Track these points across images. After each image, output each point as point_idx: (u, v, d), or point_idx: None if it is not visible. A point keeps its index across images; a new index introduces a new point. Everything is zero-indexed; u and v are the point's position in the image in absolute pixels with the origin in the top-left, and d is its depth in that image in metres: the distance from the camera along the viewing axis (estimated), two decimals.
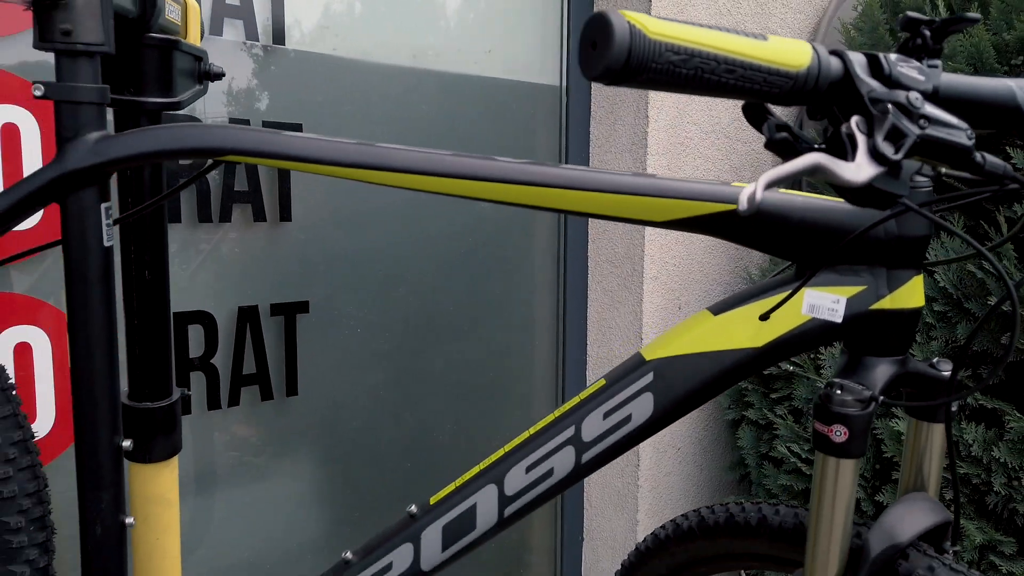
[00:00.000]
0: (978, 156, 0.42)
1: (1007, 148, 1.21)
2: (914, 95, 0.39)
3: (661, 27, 0.36)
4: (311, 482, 1.37)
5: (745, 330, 0.60)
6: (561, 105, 1.66)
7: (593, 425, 0.61)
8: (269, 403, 1.30)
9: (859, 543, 0.62)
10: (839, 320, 0.59)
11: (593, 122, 1.69)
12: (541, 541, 1.77)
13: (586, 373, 1.75)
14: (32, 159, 1.03)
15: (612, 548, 1.74)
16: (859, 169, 0.38)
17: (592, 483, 1.76)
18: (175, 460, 0.87)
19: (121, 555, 0.60)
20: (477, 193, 0.56)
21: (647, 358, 0.62)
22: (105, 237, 0.56)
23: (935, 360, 0.64)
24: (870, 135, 0.39)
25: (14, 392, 0.58)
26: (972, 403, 1.23)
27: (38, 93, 0.52)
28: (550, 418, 0.63)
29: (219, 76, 0.83)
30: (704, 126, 1.68)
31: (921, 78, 0.41)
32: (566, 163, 1.70)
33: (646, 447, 1.68)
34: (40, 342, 1.07)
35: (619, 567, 0.89)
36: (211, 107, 1.19)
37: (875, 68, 0.41)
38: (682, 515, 0.81)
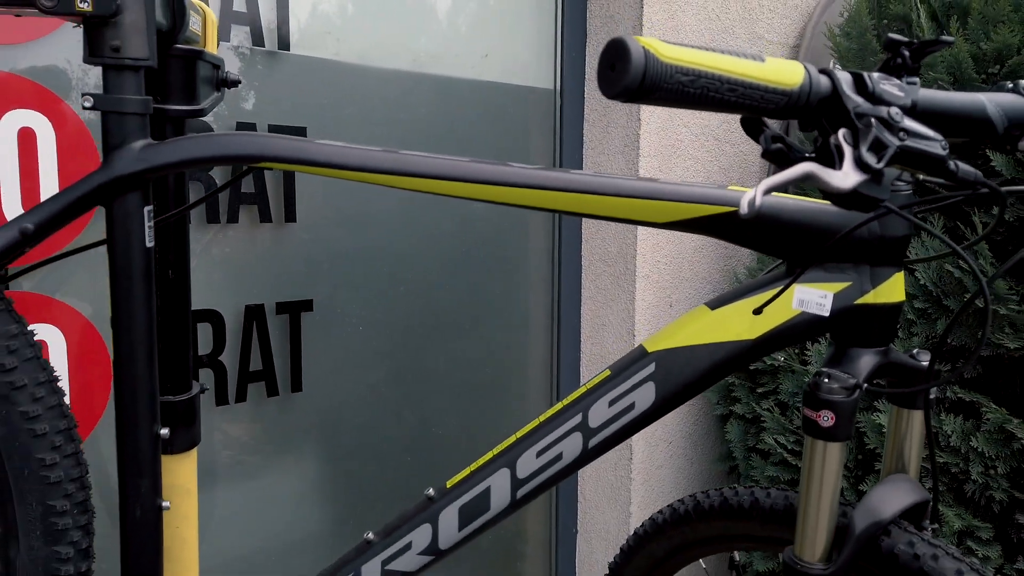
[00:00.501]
0: (952, 164, 0.46)
1: (987, 151, 1.27)
2: (894, 110, 0.44)
3: (672, 51, 0.40)
4: (315, 476, 1.41)
5: (740, 323, 0.65)
6: (555, 108, 1.70)
7: (599, 412, 0.66)
8: (275, 399, 1.33)
9: (845, 521, 0.66)
10: (827, 314, 0.64)
11: (586, 125, 1.74)
12: (536, 533, 1.82)
13: (580, 369, 1.80)
14: (48, 162, 1.06)
15: (605, 540, 1.78)
16: (846, 177, 0.43)
17: (586, 477, 1.81)
18: (194, 452, 0.90)
19: (158, 536, 0.64)
20: (495, 197, 0.61)
21: (649, 350, 0.67)
22: (147, 238, 0.60)
23: (915, 351, 0.69)
24: (855, 146, 0.44)
25: (59, 383, 0.62)
26: (951, 396, 1.29)
27: (87, 104, 0.56)
28: (559, 406, 0.68)
29: (236, 83, 0.87)
30: (694, 129, 1.73)
31: (901, 94, 0.46)
32: (560, 164, 1.75)
33: (638, 442, 1.73)
34: (55, 339, 1.10)
35: (618, 551, 0.94)
36: (224, 110, 1.23)
37: (860, 85, 0.46)
38: (679, 500, 0.86)
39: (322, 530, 1.43)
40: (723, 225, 0.64)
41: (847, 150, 0.44)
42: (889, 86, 0.46)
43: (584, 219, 1.77)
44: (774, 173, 0.47)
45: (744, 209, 0.42)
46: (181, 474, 0.89)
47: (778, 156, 0.46)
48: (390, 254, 1.45)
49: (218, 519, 1.30)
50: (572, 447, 0.66)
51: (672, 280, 1.73)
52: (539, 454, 0.66)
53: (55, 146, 1.07)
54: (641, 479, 1.74)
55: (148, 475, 0.62)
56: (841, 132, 0.45)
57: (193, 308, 1.21)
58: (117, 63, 0.55)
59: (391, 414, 1.49)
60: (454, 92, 1.51)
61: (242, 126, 1.24)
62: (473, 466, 0.68)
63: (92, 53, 0.56)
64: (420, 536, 0.67)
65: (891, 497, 0.66)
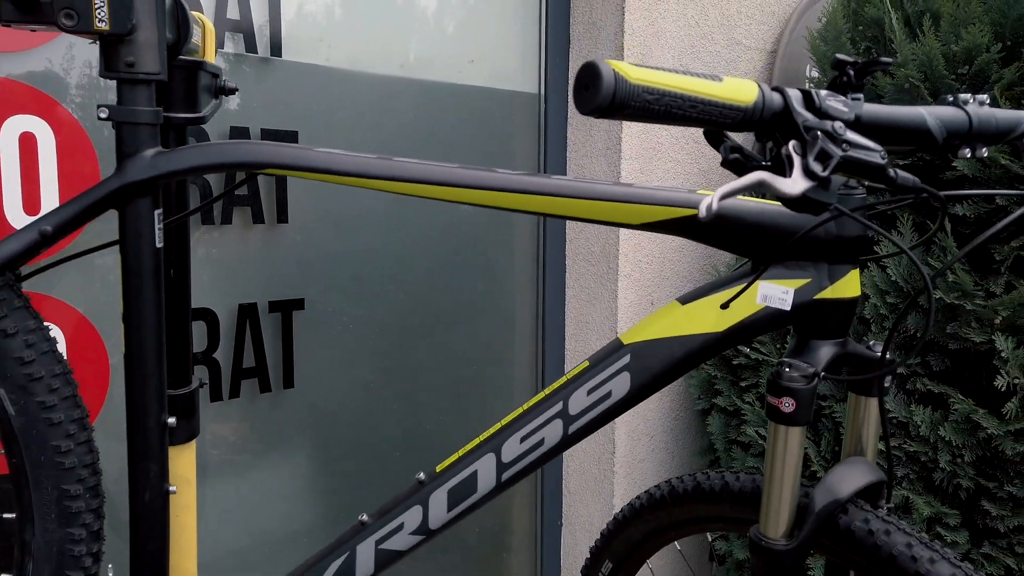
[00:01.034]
0: (891, 172, 0.52)
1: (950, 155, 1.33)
2: (838, 124, 0.49)
3: (639, 73, 0.45)
4: (307, 470, 1.45)
5: (709, 317, 0.70)
6: (539, 112, 1.75)
7: (578, 401, 0.71)
8: (267, 395, 1.37)
9: (806, 501, 0.72)
10: (788, 308, 0.69)
11: (570, 128, 1.79)
12: (522, 525, 1.86)
13: (565, 366, 1.85)
14: (48, 165, 1.10)
15: (589, 532, 1.83)
16: (794, 184, 0.48)
17: (570, 470, 1.86)
18: (193, 443, 0.94)
19: (165, 519, 0.68)
20: (482, 201, 0.65)
21: (625, 342, 0.72)
22: (157, 239, 0.64)
23: (871, 343, 0.75)
24: (804, 156, 0.49)
25: (72, 376, 0.66)
26: (921, 387, 1.35)
27: (103, 115, 0.60)
28: (541, 395, 0.72)
29: (233, 91, 0.91)
30: (674, 132, 1.78)
31: (845, 109, 0.51)
32: (544, 167, 1.80)
33: (621, 436, 1.78)
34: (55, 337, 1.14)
35: (598, 535, 0.99)
36: (218, 116, 1.26)
37: (808, 102, 0.51)
38: (655, 486, 0.91)
39: (314, 523, 1.47)
40: (691, 227, 0.69)
41: (796, 160, 0.49)
42: (835, 102, 0.51)
43: (568, 221, 1.82)
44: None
45: (702, 213, 0.47)
46: (182, 464, 0.93)
47: (735, 165, 0.51)
48: (380, 255, 1.49)
49: (212, 513, 1.34)
50: (553, 433, 0.71)
51: (653, 279, 1.78)
52: (522, 440, 0.71)
53: (55, 150, 1.11)
54: (624, 472, 1.79)
55: (157, 461, 0.66)
56: (791, 143, 0.50)
57: None
58: (131, 77, 0.60)
59: (381, 410, 1.54)
60: (441, 96, 1.56)
61: (235, 130, 1.28)
62: (461, 451, 0.73)
63: (108, 68, 0.60)
64: (411, 517, 0.72)
65: (848, 478, 0.71)
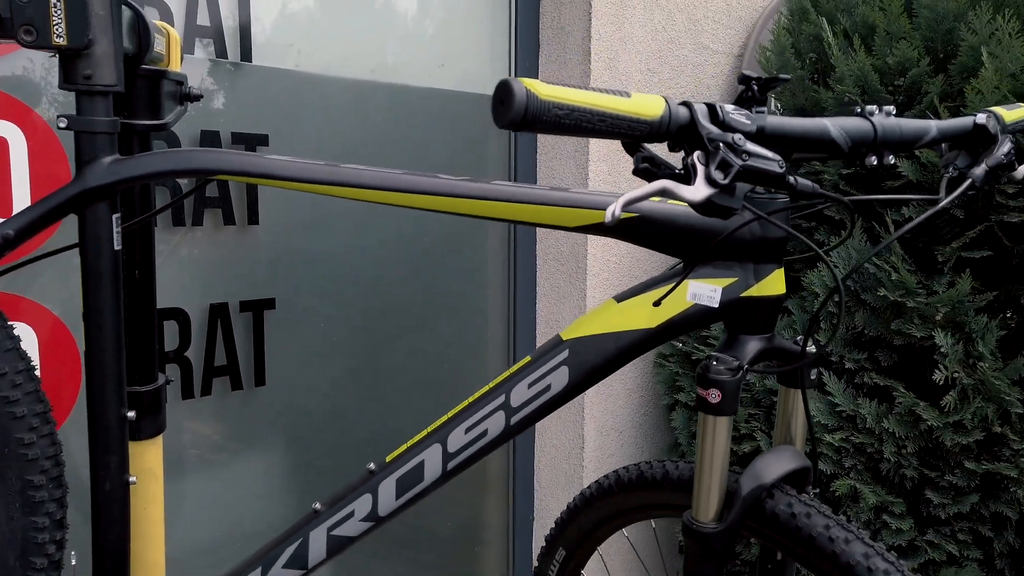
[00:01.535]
0: (791, 179, 0.56)
1: (896, 159, 1.38)
2: (738, 136, 0.54)
3: (549, 90, 0.49)
4: (278, 466, 1.49)
5: (642, 314, 0.74)
6: None
7: (520, 393, 0.75)
8: (239, 393, 1.41)
9: (734, 486, 0.76)
10: (716, 305, 0.74)
11: None
12: (495, 521, 1.91)
13: None
14: (20, 168, 1.13)
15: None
16: (697, 191, 0.52)
17: (541, 465, 1.90)
18: (160, 438, 0.98)
19: (126, 508, 0.72)
20: (424, 205, 0.69)
21: (564, 338, 0.76)
22: (115, 242, 0.67)
23: (798, 338, 0.79)
24: (707, 165, 0.53)
25: (35, 371, 0.69)
26: (868, 382, 1.40)
27: (62, 125, 0.64)
28: (485, 389, 0.77)
29: (198, 98, 0.95)
30: None
31: (747, 122, 0.56)
32: (515, 169, 1.84)
33: (591, 431, 1.82)
34: (27, 336, 1.17)
35: (553, 524, 1.03)
36: (185, 119, 1.29)
37: (713, 115, 0.55)
38: (604, 476, 0.96)
39: (286, 519, 1.50)
40: (624, 229, 0.73)
41: (699, 169, 0.53)
42: (738, 115, 0.55)
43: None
44: None
45: (607, 219, 0.51)
46: (148, 458, 0.96)
47: (644, 173, 0.56)
48: (351, 255, 1.53)
49: (184, 508, 1.37)
50: (496, 424, 0.75)
51: (621, 278, 1.83)
52: (467, 431, 0.75)
53: (26, 154, 1.13)
54: (593, 467, 1.83)
55: (116, 452, 0.69)
56: (696, 154, 0.54)
57: (159, 307, 1.29)
58: (89, 89, 0.63)
59: (352, 407, 1.57)
60: (412, 100, 1.59)
61: (206, 134, 1.31)
62: (410, 442, 0.77)
63: (66, 80, 0.63)
64: (362, 505, 0.76)
65: (774, 464, 0.76)
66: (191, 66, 1.29)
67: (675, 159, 0.59)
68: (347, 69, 1.49)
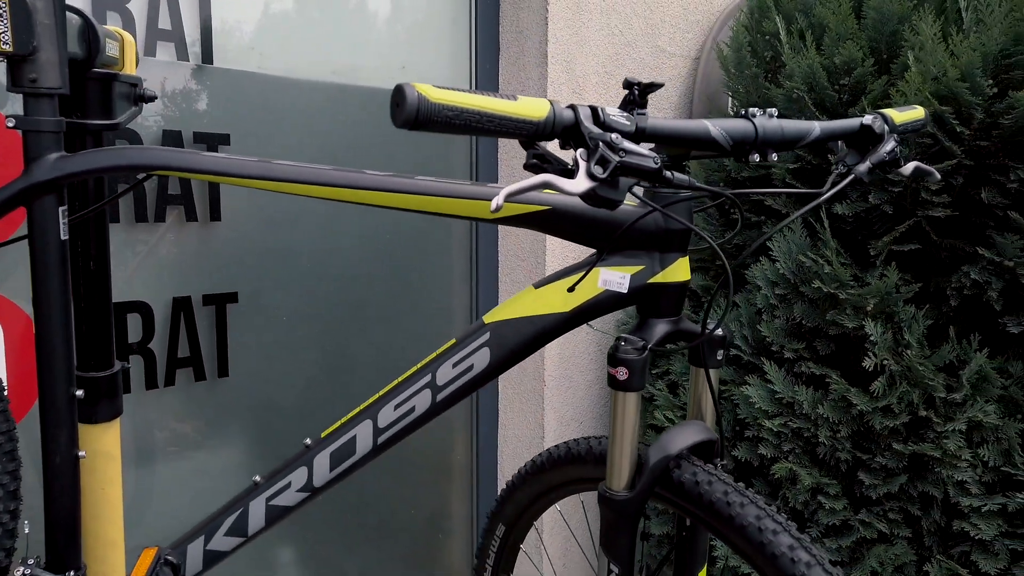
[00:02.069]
0: (668, 174, 0.62)
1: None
2: (616, 136, 0.60)
3: (439, 94, 0.55)
4: (241, 454, 1.54)
5: (557, 299, 0.80)
6: None
7: (445, 373, 0.81)
8: (202, 383, 1.46)
9: (644, 458, 0.82)
10: (625, 291, 0.80)
11: None
12: (460, 511, 1.96)
13: None
14: None
15: (534, 529, 1.94)
16: (577, 184, 0.59)
17: (505, 456, 1.96)
18: (117, 421, 1.03)
19: (76, 481, 0.77)
20: (353, 199, 0.75)
21: (486, 322, 0.82)
22: (62, 232, 0.73)
23: (713, 325, 0.85)
24: (588, 162, 0.59)
25: None
26: (806, 370, 1.47)
27: (10, 124, 0.69)
28: (413, 369, 0.82)
29: (152, 99, 1.00)
30: None
31: (627, 123, 0.62)
32: (476, 166, 1.90)
33: (551, 422, 1.88)
34: None
35: (494, 502, 1.09)
36: (151, 120, 1.35)
37: (595, 117, 0.62)
38: (538, 454, 1.02)
39: None
40: (541, 220, 0.79)
41: (582, 165, 0.59)
42: (618, 117, 0.62)
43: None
44: None
45: (492, 208, 0.57)
46: (106, 441, 1.01)
47: (533, 168, 0.62)
48: (314, 251, 1.58)
49: (147, 496, 1.42)
50: (423, 401, 0.81)
51: None
52: (396, 407, 0.81)
53: None
54: None
55: (66, 428, 0.75)
56: (579, 151, 0.60)
57: (122, 300, 1.34)
58: (35, 92, 0.69)
59: (315, 398, 1.63)
60: (373, 102, 1.65)
61: (168, 134, 1.36)
62: (343, 419, 0.83)
63: (14, 83, 0.69)
64: (298, 477, 0.82)
65: (680, 437, 0.82)
66: (154, 68, 1.34)
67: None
68: (308, 71, 1.54)
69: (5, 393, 0.75)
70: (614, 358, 0.79)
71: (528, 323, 0.80)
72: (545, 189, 0.59)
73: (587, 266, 0.81)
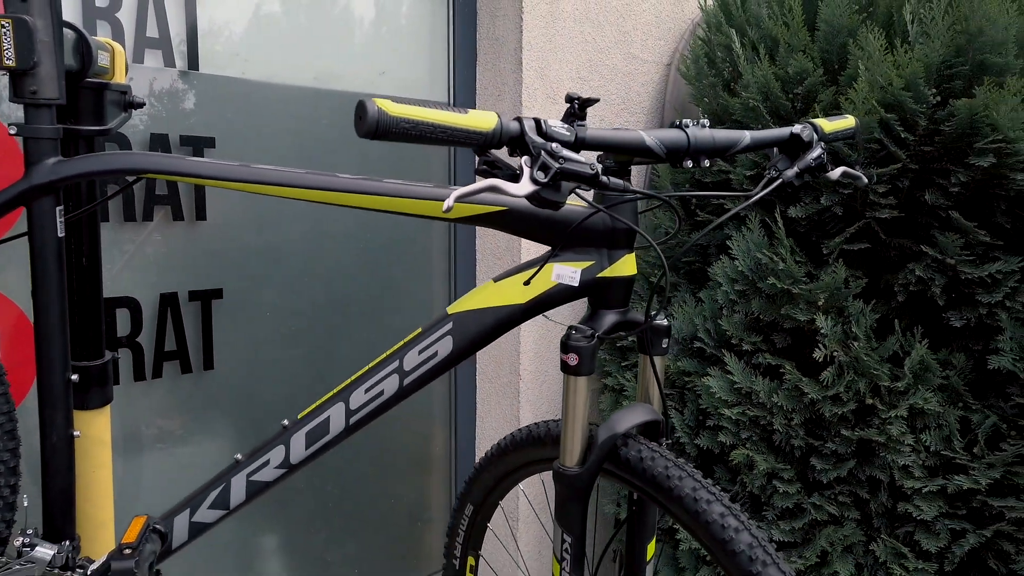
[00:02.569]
0: (604, 179, 0.70)
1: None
2: (556, 145, 0.68)
3: (396, 108, 0.63)
4: (226, 444, 1.60)
5: (514, 292, 0.88)
6: None
7: (412, 359, 0.88)
8: (188, 376, 1.52)
9: (593, 437, 0.90)
10: (576, 284, 0.88)
11: None
12: (438, 500, 2.04)
13: (476, 354, 2.02)
14: None
15: (500, 508, 2.01)
16: (521, 187, 0.66)
17: (482, 448, 2.04)
18: (107, 408, 1.10)
19: (71, 459, 0.84)
20: (325, 199, 0.82)
21: (449, 312, 0.89)
22: (59, 230, 0.79)
23: (653, 313, 0.93)
24: (531, 168, 0.67)
25: None
26: (763, 362, 1.55)
27: (12, 132, 0.76)
28: (383, 356, 0.90)
29: (140, 105, 1.08)
30: None
31: (567, 134, 0.70)
32: (454, 170, 1.98)
33: (527, 414, 1.96)
34: None
35: (463, 483, 1.16)
36: (140, 124, 1.41)
37: (539, 128, 0.69)
38: (502, 437, 1.09)
39: None
40: (498, 220, 0.87)
41: (525, 170, 0.67)
42: (560, 128, 0.69)
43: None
44: None
45: (444, 208, 0.64)
46: (97, 426, 1.08)
47: (483, 172, 0.69)
48: (298, 249, 1.65)
49: (135, 485, 1.49)
50: (391, 385, 0.89)
51: None
52: (367, 391, 0.89)
53: None
54: None
55: (62, 409, 0.82)
56: (523, 158, 0.68)
57: (111, 295, 1.41)
58: (35, 102, 0.76)
59: (298, 390, 1.69)
60: (353, 106, 1.71)
61: (156, 137, 1.42)
62: (319, 401, 0.90)
63: (16, 95, 0.76)
64: (276, 455, 0.89)
65: (627, 418, 0.90)
66: (142, 74, 1.41)
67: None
68: (291, 76, 1.61)
69: (5, 377, 0.81)
70: (566, 345, 0.86)
71: (488, 314, 0.88)
72: (492, 192, 0.66)
73: (542, 262, 0.88)
